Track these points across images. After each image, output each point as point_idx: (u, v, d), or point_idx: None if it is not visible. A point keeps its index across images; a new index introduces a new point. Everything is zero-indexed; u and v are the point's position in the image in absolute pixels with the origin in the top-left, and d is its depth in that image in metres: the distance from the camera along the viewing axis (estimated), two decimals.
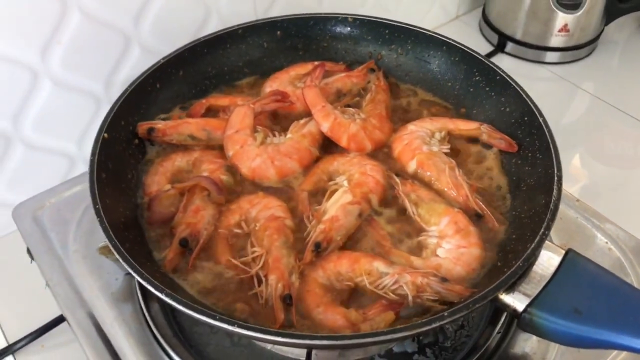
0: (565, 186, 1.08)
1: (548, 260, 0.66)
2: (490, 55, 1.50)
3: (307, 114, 0.89)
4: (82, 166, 1.10)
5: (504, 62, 1.51)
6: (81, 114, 1.05)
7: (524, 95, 0.82)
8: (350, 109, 0.90)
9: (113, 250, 0.65)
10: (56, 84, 0.97)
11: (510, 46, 1.49)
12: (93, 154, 0.75)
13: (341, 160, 0.83)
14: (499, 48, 1.51)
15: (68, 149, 1.07)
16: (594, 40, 1.45)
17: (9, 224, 0.93)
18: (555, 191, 0.70)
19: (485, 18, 1.54)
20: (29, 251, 0.87)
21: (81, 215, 0.90)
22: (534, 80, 1.44)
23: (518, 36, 1.46)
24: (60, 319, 0.88)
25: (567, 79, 1.42)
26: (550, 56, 1.45)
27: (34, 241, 0.86)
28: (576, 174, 1.18)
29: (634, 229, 0.87)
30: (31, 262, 0.87)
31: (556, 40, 1.42)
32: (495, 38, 1.52)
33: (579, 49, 1.44)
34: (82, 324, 0.77)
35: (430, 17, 1.53)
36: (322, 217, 0.75)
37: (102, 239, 0.79)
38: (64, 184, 0.95)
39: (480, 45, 1.54)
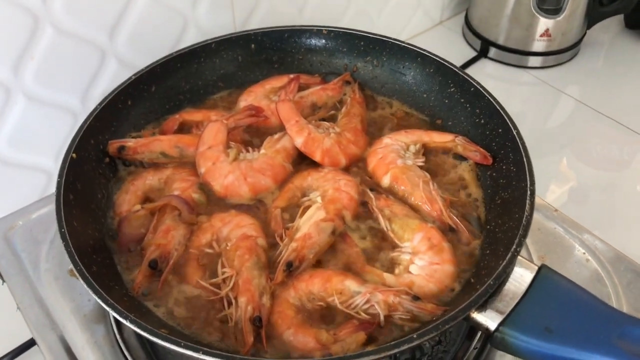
0: (550, 190, 1.09)
1: (521, 277, 0.65)
2: (473, 60, 1.50)
3: (282, 127, 0.88)
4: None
5: (487, 67, 1.50)
6: (58, 129, 1.03)
7: (498, 107, 0.82)
8: (325, 122, 0.89)
9: (77, 275, 0.64)
10: (30, 99, 0.96)
11: (493, 51, 1.49)
12: (60, 176, 0.74)
13: (315, 176, 0.82)
14: (482, 53, 1.51)
15: (45, 164, 1.05)
16: (577, 44, 1.45)
17: None
18: (527, 206, 0.69)
19: (467, 24, 1.53)
20: None
21: (53, 235, 0.89)
22: (517, 85, 1.44)
23: (500, 41, 1.46)
24: (29, 344, 0.87)
25: (550, 83, 1.41)
26: (533, 61, 1.45)
27: (5, 263, 0.85)
28: (561, 178, 1.17)
29: (620, 232, 0.86)
30: (2, 284, 0.86)
31: (538, 45, 1.42)
32: (478, 43, 1.51)
33: (562, 53, 1.44)
34: (52, 348, 0.76)
35: (413, 23, 1.53)
36: (294, 235, 0.74)
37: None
38: (36, 203, 0.94)
39: (463, 51, 1.53)
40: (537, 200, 0.84)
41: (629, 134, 1.24)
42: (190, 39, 1.08)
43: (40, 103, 0.97)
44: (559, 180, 1.16)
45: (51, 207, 0.92)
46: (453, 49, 1.54)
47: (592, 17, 1.44)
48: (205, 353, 0.56)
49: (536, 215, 0.89)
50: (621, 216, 1.06)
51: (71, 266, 0.75)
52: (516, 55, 1.45)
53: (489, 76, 1.49)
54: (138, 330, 0.58)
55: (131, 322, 0.58)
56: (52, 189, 1.05)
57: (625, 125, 1.27)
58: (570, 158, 1.22)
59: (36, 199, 1.04)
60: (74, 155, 0.77)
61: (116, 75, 1.03)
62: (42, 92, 0.96)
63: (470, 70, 1.47)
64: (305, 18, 1.26)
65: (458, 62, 1.46)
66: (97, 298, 0.61)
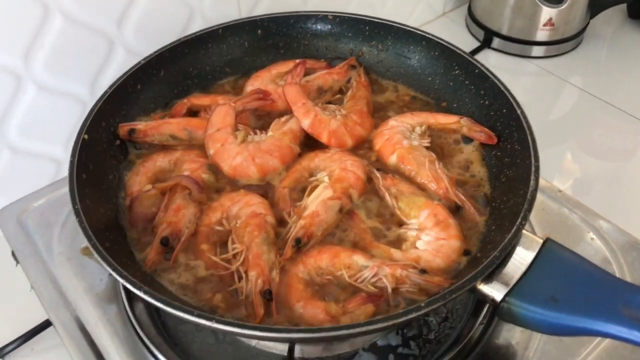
0: (556, 180, 1.10)
1: (526, 250, 0.66)
2: (476, 50, 1.50)
3: (289, 111, 0.89)
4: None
5: (491, 58, 1.51)
6: (67, 117, 1.05)
7: (502, 88, 0.83)
8: (332, 105, 0.90)
9: (92, 250, 0.65)
10: (40, 88, 0.97)
11: (496, 41, 1.50)
12: (73, 155, 0.75)
13: (322, 157, 0.84)
14: (485, 44, 1.52)
15: (55, 152, 1.07)
16: (580, 33, 1.46)
17: None
18: (532, 181, 0.70)
19: (471, 14, 1.54)
20: (13, 254, 0.87)
21: (65, 218, 0.90)
22: (521, 74, 1.45)
23: (504, 31, 1.46)
24: (49, 322, 0.88)
25: (554, 72, 1.42)
26: (537, 50, 1.46)
27: (19, 244, 0.86)
28: (566, 167, 1.18)
29: (625, 220, 0.87)
30: (16, 265, 0.87)
31: (542, 35, 1.43)
32: (481, 34, 1.52)
33: (565, 42, 1.45)
34: (67, 326, 0.77)
35: (416, 14, 1.54)
36: (302, 213, 0.75)
37: (85, 241, 0.80)
38: (48, 187, 0.95)
39: (466, 41, 1.54)
40: (542, 181, 0.86)
41: (634, 123, 1.25)
42: (196, 28, 1.09)
43: (49, 92, 0.99)
44: (563, 170, 1.17)
45: (63, 190, 0.94)
46: (456, 40, 1.52)
47: (595, 6, 1.45)
48: (218, 322, 0.57)
49: (540, 196, 0.91)
50: (626, 205, 1.07)
51: (84, 245, 0.78)
52: (519, 45, 1.46)
53: (493, 66, 1.47)
54: (151, 301, 0.59)
55: (145, 292, 0.60)
56: (63, 175, 1.08)
57: (630, 114, 1.27)
58: (574, 148, 1.23)
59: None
60: (85, 136, 0.78)
61: (124, 65, 1.04)
62: (52, 81, 0.98)
63: None
64: (310, 7, 1.27)
65: None
66: (110, 270, 0.62)
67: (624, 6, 1.57)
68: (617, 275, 0.81)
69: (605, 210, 0.89)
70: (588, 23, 1.48)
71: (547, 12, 1.38)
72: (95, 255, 0.64)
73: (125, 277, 0.61)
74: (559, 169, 1.16)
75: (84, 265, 0.83)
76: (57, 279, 0.83)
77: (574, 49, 1.48)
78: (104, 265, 0.63)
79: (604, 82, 1.37)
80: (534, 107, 1.34)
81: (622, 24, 1.58)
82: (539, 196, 0.86)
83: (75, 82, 1.01)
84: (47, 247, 0.86)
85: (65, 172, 1.08)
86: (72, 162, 0.74)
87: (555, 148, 1.21)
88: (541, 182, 0.85)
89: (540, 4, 1.37)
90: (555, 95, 1.38)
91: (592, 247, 0.86)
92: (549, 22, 1.40)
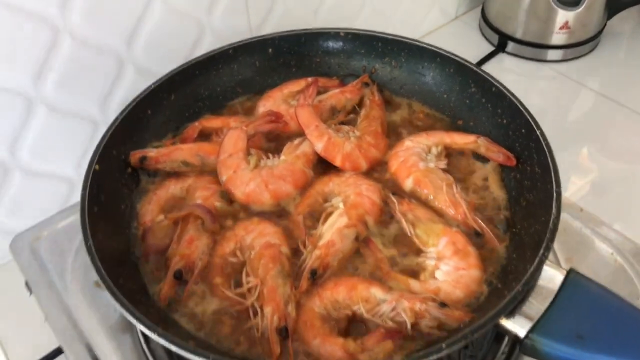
0: (571, 183, 1.07)
1: (549, 282, 0.64)
2: (491, 55, 1.48)
3: (301, 132, 0.87)
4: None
5: (506, 62, 1.48)
6: (78, 137, 1.04)
7: (521, 107, 0.80)
8: (345, 126, 0.89)
9: (106, 290, 0.64)
10: (51, 109, 0.96)
11: (511, 45, 1.47)
12: (84, 188, 0.74)
13: (336, 181, 0.82)
14: (500, 48, 1.49)
15: (67, 173, 1.06)
16: (597, 35, 1.42)
17: (4, 254, 0.94)
18: (554, 209, 0.68)
19: (484, 18, 1.51)
20: (27, 285, 0.86)
21: (78, 245, 0.89)
22: (536, 79, 1.42)
23: (518, 35, 1.43)
24: (54, 354, 0.87)
25: (570, 76, 1.39)
26: (552, 54, 1.43)
27: (32, 274, 0.86)
28: (582, 171, 1.16)
29: None
30: (30, 295, 0.87)
31: (557, 38, 1.40)
32: (495, 38, 1.49)
33: (582, 46, 1.42)
34: (80, 357, 0.76)
35: (429, 19, 1.52)
36: (317, 242, 0.74)
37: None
38: (60, 213, 0.94)
39: (480, 46, 1.51)
40: (563, 200, 0.84)
41: None
42: (206, 44, 1.08)
43: (60, 113, 0.98)
44: (580, 173, 1.14)
45: (74, 217, 0.94)
46: (470, 44, 1.52)
47: (612, 7, 1.41)
48: None
49: (562, 215, 0.88)
50: None
51: (97, 278, 0.77)
52: (535, 49, 1.43)
53: (508, 71, 1.47)
54: (166, 344, 0.58)
55: (159, 335, 0.59)
56: (74, 197, 1.07)
57: None
58: (592, 151, 1.20)
59: (58, 207, 1.05)
60: (96, 167, 0.77)
61: (134, 83, 1.03)
62: (62, 102, 0.97)
63: (489, 65, 1.45)
64: (321, 19, 1.25)
65: (476, 57, 1.45)
66: (124, 312, 0.61)
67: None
68: None
69: (619, 212, 0.86)
70: (605, 25, 1.44)
71: (563, 15, 1.35)
72: (109, 295, 0.63)
73: (139, 319, 0.60)
74: (576, 171, 1.14)
75: (97, 295, 0.82)
76: (70, 310, 0.82)
77: (590, 51, 1.44)
78: (118, 305, 0.62)
79: (621, 85, 1.33)
80: (550, 112, 1.33)
81: (639, 24, 1.54)
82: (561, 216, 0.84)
83: (85, 102, 1.00)
84: (60, 277, 0.85)
85: (77, 193, 1.08)
86: (83, 196, 0.73)
87: (571, 151, 1.18)
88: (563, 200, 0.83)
89: (556, 7, 1.34)
90: (571, 99, 1.35)
91: (614, 268, 0.83)
92: (565, 26, 1.37)
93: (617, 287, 0.64)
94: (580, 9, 1.33)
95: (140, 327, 0.60)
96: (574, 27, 1.37)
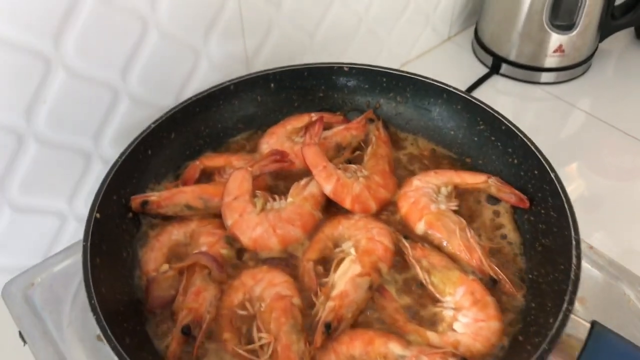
0: None
1: (573, 336, 0.62)
2: (485, 77, 1.48)
3: (307, 171, 0.85)
4: (74, 223, 1.06)
5: (500, 84, 1.49)
6: (70, 171, 1.00)
7: (533, 148, 0.79)
8: (352, 165, 0.86)
9: (110, 349, 0.61)
10: (42, 143, 0.93)
11: (504, 67, 1.47)
12: (85, 239, 0.70)
13: (346, 224, 0.80)
14: (494, 70, 1.49)
15: (58, 207, 1.02)
16: (589, 58, 1.43)
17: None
18: (574, 258, 0.66)
19: (478, 39, 1.51)
20: (21, 335, 0.82)
21: (75, 292, 0.85)
22: (529, 101, 1.42)
23: (512, 57, 1.43)
24: None
25: (563, 98, 1.40)
26: (546, 76, 1.44)
27: (26, 324, 0.81)
28: (574, 188, 1.16)
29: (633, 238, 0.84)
30: (24, 346, 0.83)
31: (551, 61, 1.40)
32: (488, 60, 1.49)
33: (574, 68, 1.42)
34: None
35: (422, 40, 1.51)
36: (330, 292, 0.71)
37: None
38: (54, 257, 0.90)
39: (474, 68, 1.51)
40: None
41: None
42: (202, 72, 1.05)
43: (52, 146, 0.94)
44: (570, 191, 1.15)
45: (70, 261, 0.90)
46: (464, 66, 1.52)
47: (605, 30, 1.42)
48: None
49: None
50: (632, 224, 1.04)
51: (99, 332, 0.73)
52: (529, 71, 1.43)
53: (501, 92, 1.47)
54: None
55: None
56: (65, 232, 1.03)
57: (637, 138, 1.26)
58: (583, 170, 1.21)
59: (49, 242, 1.01)
60: (97, 215, 0.73)
61: (128, 113, 1.00)
62: (55, 136, 0.93)
63: (483, 87, 1.45)
64: (317, 42, 1.23)
65: (470, 79, 1.45)
66: None
67: (631, 27, 1.55)
68: None
69: (608, 228, 0.86)
70: (597, 47, 1.45)
71: (557, 39, 1.35)
72: (114, 354, 0.60)
73: None
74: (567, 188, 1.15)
75: (98, 347, 0.78)
76: None
77: (583, 74, 1.45)
78: None
79: (611, 106, 1.35)
80: (542, 132, 1.33)
81: (629, 44, 1.56)
82: None
83: (78, 135, 0.96)
84: (57, 327, 0.81)
85: (68, 227, 1.04)
86: (85, 247, 0.69)
87: (562, 169, 1.19)
88: None
89: (550, 31, 1.34)
90: (562, 121, 1.35)
91: (630, 311, 0.82)
92: (559, 49, 1.37)
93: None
94: (574, 33, 1.34)
95: None
96: (568, 50, 1.37)
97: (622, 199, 1.12)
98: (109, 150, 1.00)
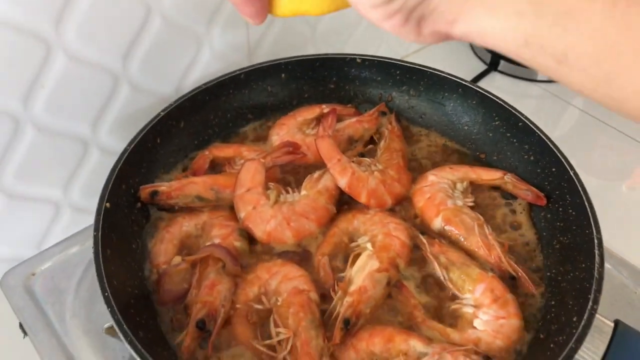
0: None
1: (597, 336, 0.62)
2: (484, 74, 1.49)
3: (320, 163, 0.83)
4: (69, 212, 1.03)
5: (497, 81, 1.50)
6: (67, 158, 0.98)
7: (551, 145, 0.78)
8: (366, 159, 0.85)
9: (126, 344, 0.58)
10: (39, 130, 0.89)
11: (502, 64, 1.47)
12: (96, 229, 0.68)
13: (361, 219, 0.78)
14: (492, 67, 1.50)
15: (53, 195, 0.99)
16: None
17: None
18: (597, 257, 0.66)
19: None
20: (21, 326, 0.79)
21: (78, 283, 0.83)
22: (526, 97, 1.43)
23: None
24: None
25: (558, 95, 1.41)
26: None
27: (27, 316, 0.79)
28: None
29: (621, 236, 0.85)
30: (24, 338, 0.80)
31: None
32: (487, 56, 1.50)
33: None
34: None
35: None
36: (348, 288, 0.70)
37: (104, 311, 0.73)
38: (54, 247, 0.88)
39: (473, 64, 1.52)
40: None
41: (632, 144, 1.25)
42: (204, 61, 1.03)
43: (49, 132, 0.91)
44: None
45: (72, 251, 0.88)
46: (463, 62, 1.53)
47: None
48: None
49: None
50: (625, 222, 1.04)
51: (106, 325, 0.71)
52: (526, 68, 1.44)
53: (499, 89, 1.47)
54: None
55: None
56: (60, 221, 1.01)
57: (629, 135, 1.27)
58: (577, 165, 1.23)
59: (43, 231, 0.98)
60: (107, 204, 0.71)
61: (127, 101, 0.97)
62: (53, 121, 0.90)
63: (481, 83, 1.47)
64: (319, 34, 1.22)
65: (468, 76, 1.45)
66: None
67: None
68: None
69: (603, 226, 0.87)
70: None
71: None
72: (133, 353, 0.57)
73: None
74: None
75: (103, 340, 0.76)
76: (73, 356, 0.75)
77: None
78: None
79: None
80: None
81: None
82: None
83: (77, 121, 0.94)
84: (59, 319, 0.79)
85: (63, 216, 1.01)
86: (96, 238, 0.67)
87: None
88: None
89: None
90: (557, 117, 1.37)
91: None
92: None
93: None
94: None
95: None
96: None
97: (614, 197, 1.12)
98: (107, 138, 0.98)
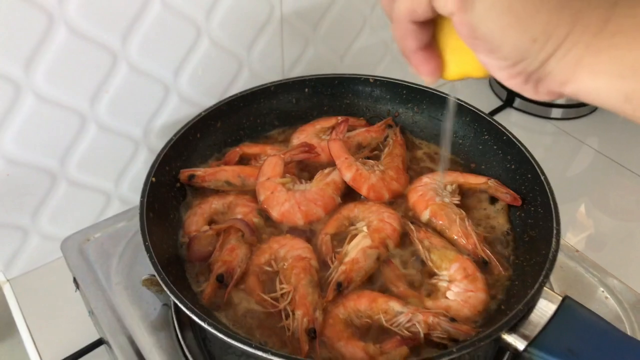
0: (570, 236, 1.17)
1: (547, 305, 0.73)
2: (499, 109, 1.61)
3: (331, 163, 0.98)
4: (117, 203, 1.20)
5: (512, 117, 1.61)
6: (120, 155, 1.14)
7: (528, 155, 0.91)
8: (370, 161, 0.99)
9: (161, 283, 0.73)
10: (101, 128, 1.07)
11: (518, 102, 1.59)
12: (143, 196, 0.84)
13: (361, 208, 0.92)
14: (508, 103, 1.62)
15: (106, 187, 1.16)
16: None
17: (49, 254, 1.07)
18: (554, 244, 0.78)
19: None
20: (75, 281, 0.95)
21: (122, 250, 0.99)
22: (540, 134, 1.54)
23: None
24: (92, 347, 0.97)
25: (572, 134, 1.51)
26: (556, 112, 1.56)
27: (80, 272, 0.95)
28: (581, 223, 1.26)
29: (636, 278, 0.94)
30: (75, 291, 0.96)
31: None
32: (504, 94, 1.62)
33: (583, 106, 1.54)
34: (124, 349, 0.85)
35: None
36: (343, 259, 0.83)
37: (141, 272, 0.89)
38: (105, 220, 1.04)
39: (490, 101, 1.64)
40: (561, 242, 0.94)
41: None
42: (243, 80, 1.20)
43: (109, 132, 1.08)
44: (577, 225, 1.25)
45: (120, 225, 1.04)
46: (480, 99, 1.65)
47: None
48: (273, 354, 0.65)
49: (559, 255, 0.98)
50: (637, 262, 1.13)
51: (145, 276, 0.86)
52: (540, 106, 1.56)
53: (514, 125, 1.59)
54: (216, 333, 0.67)
55: (209, 324, 0.68)
56: (109, 210, 1.17)
57: None
58: (589, 205, 1.31)
59: (94, 219, 1.15)
60: (153, 179, 0.87)
61: (175, 110, 1.15)
62: (112, 122, 1.07)
63: (496, 118, 1.56)
64: (346, 64, 1.38)
65: (485, 110, 1.57)
66: (179, 303, 0.70)
67: None
68: (628, 332, 0.87)
69: (616, 266, 0.95)
70: None
71: None
72: (165, 288, 0.72)
73: (191, 309, 0.69)
74: (574, 224, 1.24)
75: (139, 294, 0.91)
76: (114, 306, 0.91)
77: (591, 112, 1.57)
78: (172, 297, 0.71)
79: (619, 145, 1.45)
80: (551, 165, 1.42)
81: None
82: (558, 255, 0.94)
83: (131, 124, 1.11)
84: (106, 276, 0.95)
85: (112, 206, 1.18)
86: (142, 202, 0.83)
87: (570, 204, 1.29)
88: (561, 242, 0.94)
89: None
90: (572, 155, 1.46)
91: (605, 304, 0.93)
92: None
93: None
94: None
95: (193, 316, 0.69)
96: None
97: (629, 239, 1.20)
98: (155, 140, 1.14)
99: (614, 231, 1.22)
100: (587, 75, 0.47)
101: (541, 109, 1.56)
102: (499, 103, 1.63)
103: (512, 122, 1.60)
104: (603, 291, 0.94)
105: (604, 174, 1.38)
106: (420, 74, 0.58)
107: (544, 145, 1.53)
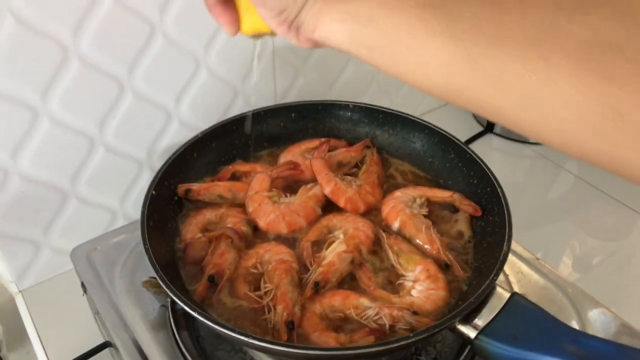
0: (552, 261, 1.25)
1: (498, 301, 0.83)
2: (480, 134, 1.72)
3: (314, 180, 1.09)
4: (122, 219, 1.31)
5: (494, 142, 1.72)
6: (125, 175, 1.26)
7: (487, 171, 1.02)
8: (349, 177, 1.11)
9: (159, 281, 0.84)
10: (108, 150, 1.18)
11: (498, 128, 1.71)
12: (144, 206, 0.95)
13: (339, 218, 1.03)
14: (488, 129, 1.73)
15: (112, 204, 1.27)
16: None
17: (58, 267, 1.17)
18: (505, 247, 0.89)
19: None
20: (83, 285, 1.06)
21: (125, 258, 1.09)
22: (520, 158, 1.65)
23: None
24: (96, 350, 1.06)
25: (550, 158, 1.61)
26: None
27: (88, 278, 1.05)
28: (561, 246, 1.35)
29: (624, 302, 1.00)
30: (83, 295, 1.07)
31: None
32: (484, 120, 1.74)
33: None
34: (126, 346, 0.95)
35: (427, 101, 1.77)
36: (321, 262, 0.94)
37: (142, 278, 1.00)
38: (110, 232, 1.15)
39: (471, 127, 1.76)
40: (523, 250, 1.06)
41: (627, 211, 1.41)
42: (238, 106, 1.33)
43: (115, 153, 1.20)
44: (559, 248, 1.34)
45: (123, 237, 1.14)
46: (461, 125, 1.76)
47: None
48: (254, 339, 0.75)
49: (520, 262, 1.09)
50: (622, 284, 1.21)
51: (145, 278, 0.97)
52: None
53: (495, 149, 1.70)
54: (208, 323, 0.77)
55: (203, 316, 0.78)
56: (115, 224, 1.28)
57: (622, 202, 1.43)
58: (571, 228, 1.39)
59: (101, 232, 1.26)
60: (153, 192, 0.98)
61: (176, 134, 1.26)
62: (118, 145, 1.19)
63: (478, 143, 1.68)
64: (334, 92, 1.51)
65: (466, 136, 1.67)
66: (176, 299, 0.80)
67: None
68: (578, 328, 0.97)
69: (601, 288, 1.02)
70: None
71: None
72: (162, 285, 0.83)
73: (185, 303, 0.80)
74: (554, 247, 1.33)
75: (140, 296, 1.02)
76: (118, 307, 1.01)
77: None
78: (170, 294, 0.81)
79: (597, 170, 1.54)
80: (531, 188, 1.52)
81: None
82: (519, 261, 1.05)
83: (136, 146, 1.22)
84: (110, 281, 1.05)
85: (118, 222, 1.29)
86: (143, 212, 0.94)
87: (551, 226, 1.38)
88: (522, 250, 1.05)
89: None
90: (550, 179, 1.56)
91: (559, 305, 1.03)
92: None
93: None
94: None
95: (187, 309, 0.79)
96: None
97: (610, 259, 1.28)
98: (158, 162, 1.23)
99: (597, 254, 1.30)
100: (326, 22, 0.60)
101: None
102: (480, 129, 1.75)
103: (493, 147, 1.71)
104: (558, 293, 1.04)
105: (583, 198, 1.46)
106: (220, 25, 0.68)
107: (524, 168, 1.64)
